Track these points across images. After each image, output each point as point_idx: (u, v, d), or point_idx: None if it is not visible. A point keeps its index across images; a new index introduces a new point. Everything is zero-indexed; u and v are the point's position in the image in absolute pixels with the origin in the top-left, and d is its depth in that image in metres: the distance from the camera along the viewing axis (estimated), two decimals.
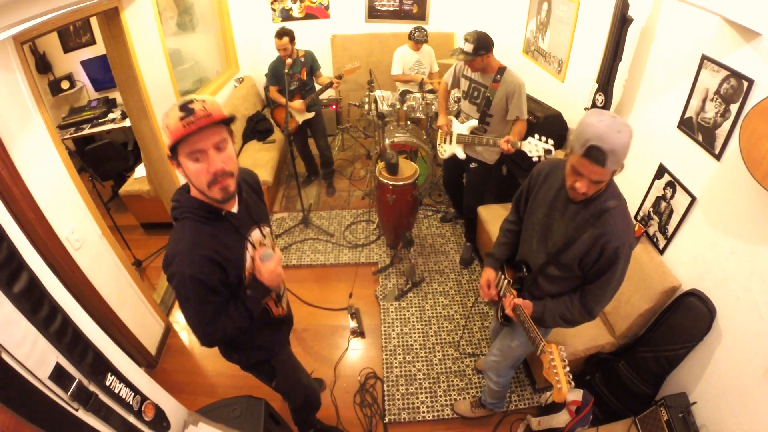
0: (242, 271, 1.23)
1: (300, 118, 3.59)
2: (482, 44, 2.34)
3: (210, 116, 1.00)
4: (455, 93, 3.02)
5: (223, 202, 1.11)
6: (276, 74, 3.41)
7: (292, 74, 3.36)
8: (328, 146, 3.92)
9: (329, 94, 3.81)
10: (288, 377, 1.71)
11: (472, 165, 2.83)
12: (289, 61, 3.20)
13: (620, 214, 1.33)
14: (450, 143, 2.87)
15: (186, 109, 0.99)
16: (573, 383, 1.26)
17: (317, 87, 3.58)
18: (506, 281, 1.68)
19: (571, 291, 1.50)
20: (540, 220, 1.51)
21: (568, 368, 1.27)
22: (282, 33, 3.20)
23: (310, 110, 3.59)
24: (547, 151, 2.24)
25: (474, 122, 2.65)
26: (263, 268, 1.22)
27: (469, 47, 2.35)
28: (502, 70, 2.47)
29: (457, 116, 2.84)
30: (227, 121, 1.06)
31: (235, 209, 1.22)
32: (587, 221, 1.34)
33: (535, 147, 2.26)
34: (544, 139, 2.25)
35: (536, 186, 1.54)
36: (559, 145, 2.96)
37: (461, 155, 2.81)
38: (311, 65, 3.49)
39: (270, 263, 1.22)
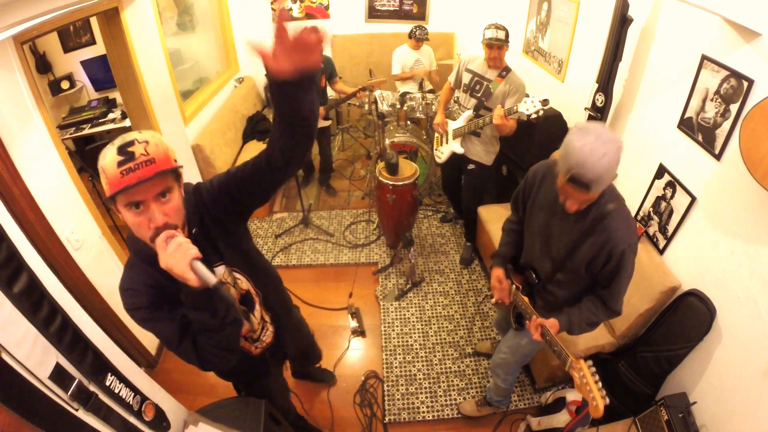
0: None
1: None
2: (508, 32, 2.47)
3: (153, 163, 0.87)
4: (455, 93, 3.02)
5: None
6: None
7: None
8: (330, 152, 3.95)
9: (329, 94, 3.81)
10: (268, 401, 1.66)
11: (470, 166, 2.83)
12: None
13: (621, 215, 1.32)
14: (446, 143, 2.87)
15: (124, 152, 0.85)
16: (607, 399, 1.21)
17: (329, 93, 3.57)
18: (515, 287, 1.67)
19: (584, 292, 1.49)
20: (540, 226, 1.49)
21: (600, 383, 1.24)
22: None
23: (326, 118, 3.60)
24: (544, 102, 2.19)
25: (469, 113, 2.67)
26: (161, 252, 0.90)
27: (502, 34, 2.44)
28: (508, 68, 2.54)
29: (453, 119, 2.85)
30: (174, 170, 0.92)
31: None
32: (589, 228, 1.33)
33: (531, 103, 2.21)
34: (537, 95, 2.22)
35: (533, 189, 1.52)
36: (559, 146, 2.96)
37: (459, 150, 2.80)
38: (330, 72, 3.48)
39: (170, 246, 0.89)
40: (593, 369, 1.26)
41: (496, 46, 2.45)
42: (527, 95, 2.27)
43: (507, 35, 2.45)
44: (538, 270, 1.59)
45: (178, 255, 0.88)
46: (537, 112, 2.21)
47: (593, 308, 1.45)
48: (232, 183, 1.09)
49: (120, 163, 0.85)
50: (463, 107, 2.73)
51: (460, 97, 2.79)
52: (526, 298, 1.59)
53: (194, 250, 0.90)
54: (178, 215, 0.97)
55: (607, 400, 1.21)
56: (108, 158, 0.86)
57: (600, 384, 1.24)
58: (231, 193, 1.10)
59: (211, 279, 0.89)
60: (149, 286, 1.03)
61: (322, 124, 3.61)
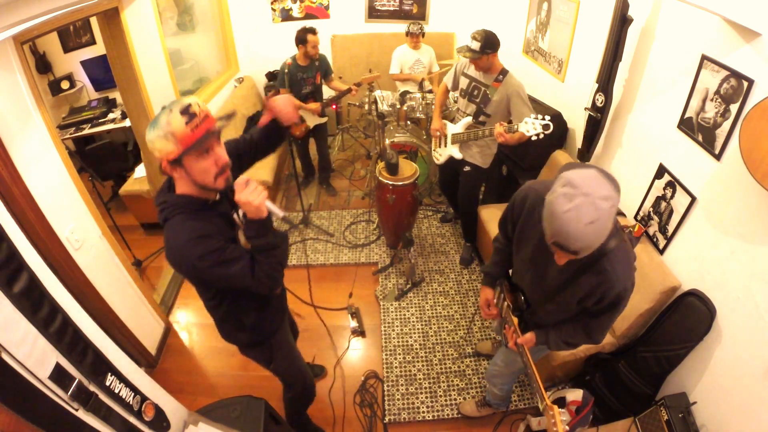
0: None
1: (312, 123, 3.60)
2: (489, 43, 2.35)
3: (208, 116, 1.10)
4: (453, 93, 3.01)
5: (224, 190, 1.21)
6: (293, 78, 3.34)
7: (306, 78, 3.37)
8: (328, 150, 3.95)
9: (328, 93, 3.81)
10: (285, 358, 1.75)
11: (466, 168, 2.82)
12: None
13: (620, 255, 1.20)
14: (445, 146, 2.86)
15: (188, 113, 1.05)
16: None
17: (326, 92, 3.57)
18: (507, 305, 1.63)
19: (573, 318, 1.45)
20: (530, 259, 1.42)
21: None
22: (314, 29, 3.21)
23: (322, 115, 3.60)
24: (545, 126, 2.16)
25: (468, 119, 2.65)
26: (241, 193, 1.16)
27: (476, 45, 2.35)
28: (504, 71, 2.48)
29: (452, 121, 2.84)
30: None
31: (217, 197, 1.28)
32: (585, 265, 1.22)
33: (532, 125, 2.17)
34: (540, 116, 2.18)
35: (521, 216, 1.41)
36: (559, 146, 2.96)
37: (458, 155, 2.79)
38: (325, 70, 3.49)
39: (250, 186, 1.17)
40: (564, 418, 1.28)
41: (469, 57, 2.40)
42: (530, 116, 2.20)
43: (486, 45, 2.32)
44: (528, 296, 1.56)
45: (256, 193, 1.14)
46: (537, 135, 2.18)
47: (573, 332, 1.42)
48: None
49: (187, 122, 1.05)
50: (462, 112, 2.71)
51: (459, 101, 2.76)
52: (515, 319, 1.57)
53: (266, 192, 1.17)
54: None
55: None
56: (175, 122, 1.04)
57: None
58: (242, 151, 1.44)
59: (280, 211, 1.21)
60: (214, 230, 1.19)
61: (318, 121, 3.61)
